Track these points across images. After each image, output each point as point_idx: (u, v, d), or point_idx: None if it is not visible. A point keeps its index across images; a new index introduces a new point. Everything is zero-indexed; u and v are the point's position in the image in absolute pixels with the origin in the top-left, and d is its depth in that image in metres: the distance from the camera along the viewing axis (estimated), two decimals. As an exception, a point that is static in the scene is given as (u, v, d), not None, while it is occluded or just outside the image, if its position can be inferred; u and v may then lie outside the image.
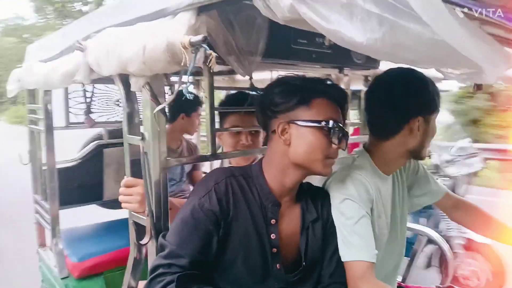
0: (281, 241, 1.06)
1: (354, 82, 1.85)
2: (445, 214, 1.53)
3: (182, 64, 0.80)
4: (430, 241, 1.65)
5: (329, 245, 1.12)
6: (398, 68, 1.26)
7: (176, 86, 0.95)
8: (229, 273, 1.02)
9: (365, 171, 1.20)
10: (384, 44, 0.56)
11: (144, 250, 1.21)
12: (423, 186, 1.45)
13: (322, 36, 1.40)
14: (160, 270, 0.94)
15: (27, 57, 2.01)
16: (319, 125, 1.01)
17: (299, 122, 1.02)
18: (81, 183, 2.36)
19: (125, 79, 1.10)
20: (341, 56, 1.49)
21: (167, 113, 2.33)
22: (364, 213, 1.10)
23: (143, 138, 1.06)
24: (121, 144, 2.60)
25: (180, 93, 0.91)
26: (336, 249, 1.10)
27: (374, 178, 1.21)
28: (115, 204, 2.59)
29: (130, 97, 1.13)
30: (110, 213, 2.49)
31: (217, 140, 1.27)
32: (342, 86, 1.76)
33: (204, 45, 0.78)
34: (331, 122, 1.01)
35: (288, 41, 1.30)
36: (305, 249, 1.09)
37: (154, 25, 0.89)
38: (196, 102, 2.40)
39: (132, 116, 1.14)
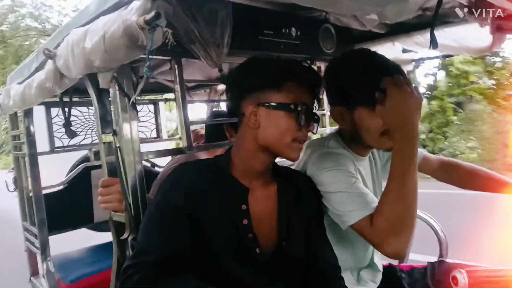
0: (257, 225, 1.03)
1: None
2: None
3: (139, 44, 0.82)
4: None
5: (316, 228, 1.11)
6: (348, 51, 1.26)
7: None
8: (211, 265, 0.99)
9: (340, 151, 1.20)
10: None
11: (127, 252, 1.19)
12: None
13: (288, 26, 1.45)
14: (129, 271, 0.89)
15: (7, 83, 2.03)
16: (288, 108, 1.01)
17: (268, 105, 1.02)
18: (70, 207, 2.34)
19: (94, 79, 1.12)
20: (309, 46, 1.52)
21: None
22: (352, 176, 1.10)
23: (115, 133, 1.06)
24: (108, 164, 2.59)
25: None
26: (324, 232, 1.09)
27: (350, 159, 1.21)
28: (107, 226, 2.57)
29: (101, 96, 1.14)
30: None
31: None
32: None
33: (160, 24, 0.80)
34: (300, 106, 1.01)
35: (255, 32, 1.33)
36: (287, 230, 1.07)
37: (113, 15, 0.91)
38: None
39: (104, 115, 1.15)
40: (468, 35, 1.44)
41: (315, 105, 1.10)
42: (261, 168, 1.06)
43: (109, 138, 1.09)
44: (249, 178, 1.05)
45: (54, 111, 2.32)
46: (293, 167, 1.26)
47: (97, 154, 2.49)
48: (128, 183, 1.05)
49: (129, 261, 0.92)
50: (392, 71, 1.09)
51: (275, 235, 1.07)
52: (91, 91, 1.14)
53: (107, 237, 2.48)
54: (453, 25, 1.40)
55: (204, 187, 0.99)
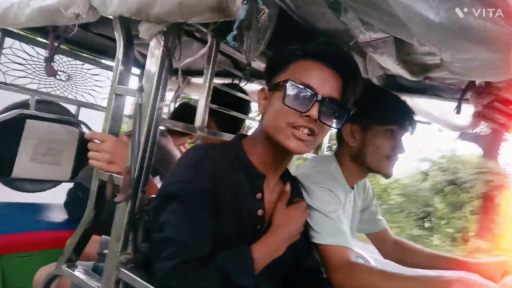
0: (267, 217, 1.03)
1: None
2: None
3: (222, 9, 0.79)
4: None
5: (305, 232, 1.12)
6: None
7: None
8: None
9: (339, 177, 1.26)
10: (455, 24, 0.63)
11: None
12: (371, 214, 1.56)
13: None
14: (181, 268, 0.81)
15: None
16: (281, 87, 0.92)
17: (270, 86, 0.99)
18: None
19: (126, 25, 1.03)
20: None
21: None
22: (338, 203, 1.15)
23: (141, 89, 0.98)
24: (48, 119, 2.32)
25: None
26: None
27: (343, 188, 1.27)
28: (24, 185, 2.25)
29: (128, 45, 1.05)
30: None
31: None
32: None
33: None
34: (294, 84, 0.91)
35: (283, 40, 1.35)
36: None
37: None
38: None
39: (126, 66, 1.05)
40: (450, 111, 1.63)
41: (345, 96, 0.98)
42: (272, 161, 1.01)
43: (130, 92, 1.00)
44: (262, 169, 1.02)
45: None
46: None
47: (39, 103, 2.21)
48: (141, 144, 0.96)
49: (172, 260, 0.82)
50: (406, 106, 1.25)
51: None
52: (119, 36, 1.04)
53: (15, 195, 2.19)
54: (444, 99, 1.58)
55: (221, 171, 0.94)
